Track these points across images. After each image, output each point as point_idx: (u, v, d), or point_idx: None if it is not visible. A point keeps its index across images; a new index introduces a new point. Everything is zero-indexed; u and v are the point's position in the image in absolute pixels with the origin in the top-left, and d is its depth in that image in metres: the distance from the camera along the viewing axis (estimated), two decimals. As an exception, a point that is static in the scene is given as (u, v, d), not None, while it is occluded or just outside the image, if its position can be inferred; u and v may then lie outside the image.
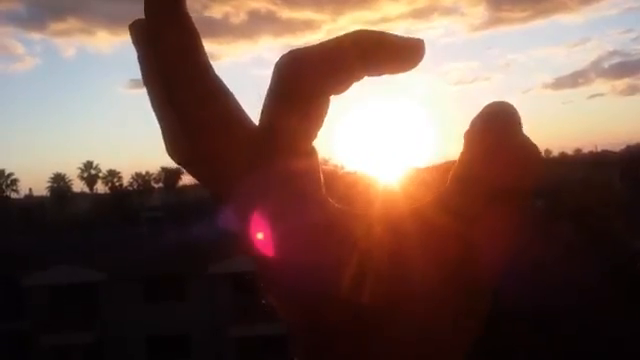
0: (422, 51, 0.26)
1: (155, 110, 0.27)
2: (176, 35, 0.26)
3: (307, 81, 0.25)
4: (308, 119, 0.26)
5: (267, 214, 0.25)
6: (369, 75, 0.26)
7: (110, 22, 72.98)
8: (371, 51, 0.26)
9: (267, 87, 0.26)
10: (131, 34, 0.26)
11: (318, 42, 0.26)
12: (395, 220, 0.25)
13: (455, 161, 0.26)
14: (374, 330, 0.25)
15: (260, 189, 0.25)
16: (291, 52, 0.26)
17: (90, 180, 64.11)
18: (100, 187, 64.27)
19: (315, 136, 0.26)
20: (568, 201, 17.58)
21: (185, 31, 0.26)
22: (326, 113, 0.26)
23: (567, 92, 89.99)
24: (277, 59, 0.26)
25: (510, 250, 0.25)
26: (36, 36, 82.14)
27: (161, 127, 0.28)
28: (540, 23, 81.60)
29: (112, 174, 63.75)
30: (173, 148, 0.27)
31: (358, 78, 0.26)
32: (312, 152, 0.26)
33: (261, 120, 0.26)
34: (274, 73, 0.26)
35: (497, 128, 0.25)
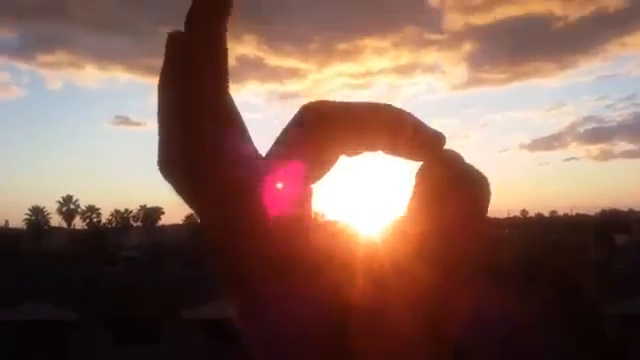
0: (442, 147, 0.27)
1: (163, 118, 0.26)
2: (210, 50, 0.26)
3: (325, 140, 0.26)
4: (314, 169, 0.27)
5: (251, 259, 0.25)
6: (384, 152, 0.27)
7: (99, 57, 73.34)
8: (398, 134, 0.26)
9: (287, 123, 0.27)
10: (167, 41, 0.26)
11: (350, 102, 0.27)
12: (377, 272, 0.26)
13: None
14: None
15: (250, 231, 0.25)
16: (321, 104, 0.26)
17: (68, 215, 63.38)
18: (78, 222, 63.58)
19: (314, 182, 0.27)
20: (543, 263, 17.77)
21: (219, 49, 0.26)
22: (332, 167, 0.27)
23: (543, 154, 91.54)
24: (304, 103, 0.27)
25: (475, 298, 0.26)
26: (24, 66, 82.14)
27: (163, 135, 0.26)
28: (518, 86, 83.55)
29: (91, 210, 63.13)
30: (170, 158, 0.26)
31: (374, 151, 0.27)
32: (309, 195, 0.27)
33: (269, 153, 0.27)
34: (297, 117, 0.26)
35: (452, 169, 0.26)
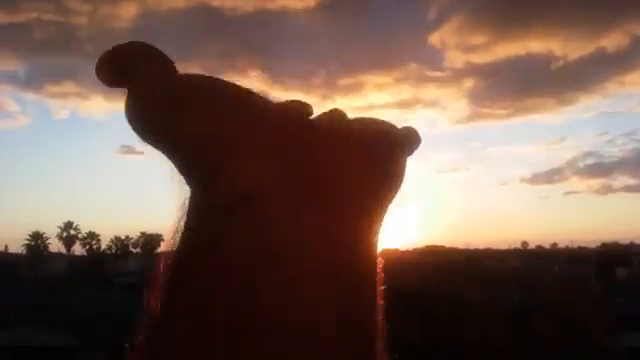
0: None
1: None
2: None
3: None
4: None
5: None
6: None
7: (106, 88, 73.42)
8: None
9: None
10: None
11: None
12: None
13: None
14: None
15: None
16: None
17: (68, 240, 63.18)
18: (78, 248, 63.30)
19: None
20: (544, 295, 17.64)
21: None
22: None
23: (543, 187, 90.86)
24: None
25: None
26: (32, 96, 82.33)
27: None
28: (519, 121, 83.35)
29: (91, 236, 62.95)
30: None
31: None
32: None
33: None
34: None
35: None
